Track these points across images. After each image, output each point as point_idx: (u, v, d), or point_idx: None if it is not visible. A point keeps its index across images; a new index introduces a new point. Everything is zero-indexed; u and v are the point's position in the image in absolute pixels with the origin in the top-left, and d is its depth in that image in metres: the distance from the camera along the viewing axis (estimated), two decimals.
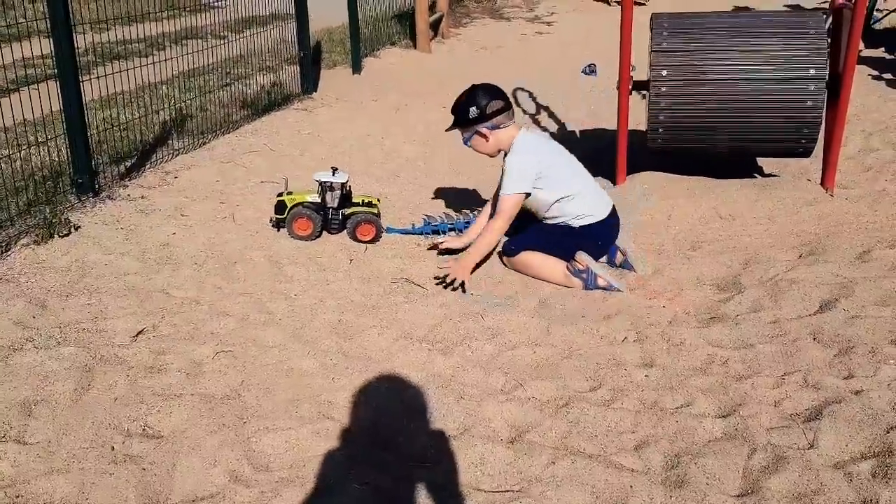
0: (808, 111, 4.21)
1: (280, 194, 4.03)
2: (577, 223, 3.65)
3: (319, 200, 3.98)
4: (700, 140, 4.40)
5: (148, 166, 4.84)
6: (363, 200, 4.05)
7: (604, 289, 3.50)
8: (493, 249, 3.72)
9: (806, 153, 4.42)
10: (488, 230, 3.63)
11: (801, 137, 4.29)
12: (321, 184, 3.97)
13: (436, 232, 4.13)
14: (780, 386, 2.69)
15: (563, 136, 6.03)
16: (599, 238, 3.69)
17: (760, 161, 5.10)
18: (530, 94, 7.32)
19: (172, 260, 3.71)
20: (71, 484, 2.24)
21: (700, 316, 3.23)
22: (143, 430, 2.50)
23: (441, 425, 2.54)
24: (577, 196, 3.63)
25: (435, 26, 9.74)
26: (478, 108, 3.67)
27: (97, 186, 4.32)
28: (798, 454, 2.31)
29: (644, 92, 4.59)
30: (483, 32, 10.66)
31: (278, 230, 4.07)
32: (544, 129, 6.24)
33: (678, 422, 2.52)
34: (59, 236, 3.76)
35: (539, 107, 6.93)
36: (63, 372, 2.73)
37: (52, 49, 4.00)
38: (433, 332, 3.16)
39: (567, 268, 3.55)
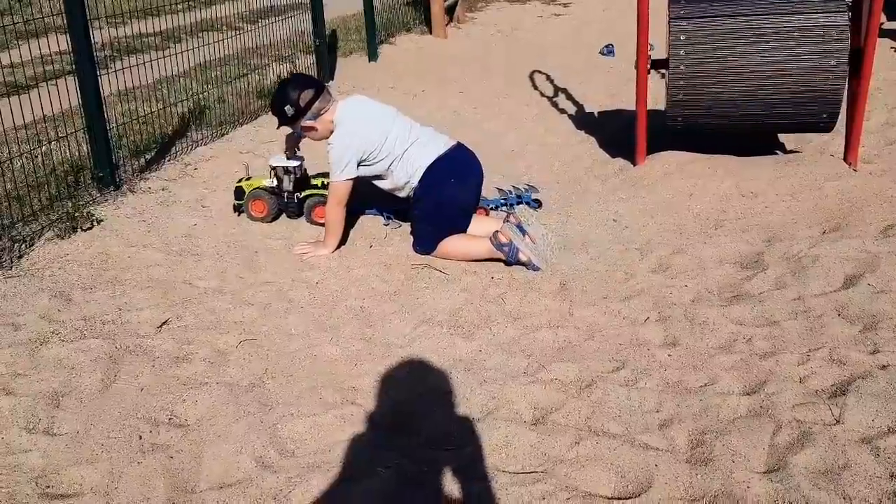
0: (830, 85, 4.15)
1: (240, 180, 4.13)
2: (416, 178, 3.68)
3: (275, 185, 4.05)
4: (720, 117, 4.36)
5: (168, 158, 4.87)
6: (322, 182, 4.08)
7: (524, 264, 3.52)
8: (344, 229, 3.79)
9: (827, 128, 4.36)
10: (327, 220, 3.70)
11: (822, 112, 4.24)
12: (274, 168, 4.04)
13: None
14: (806, 362, 2.67)
15: (582, 118, 5.99)
16: (451, 175, 3.69)
17: (782, 138, 5.04)
18: (547, 77, 7.28)
19: (194, 251, 3.74)
20: (100, 473, 2.27)
21: (723, 294, 3.21)
22: (170, 419, 2.52)
23: (464, 409, 2.55)
24: (412, 145, 3.68)
25: (450, 11, 9.70)
26: (292, 106, 3.66)
27: (118, 180, 4.35)
28: (824, 430, 2.29)
29: (663, 71, 4.55)
30: (498, 16, 10.60)
31: (239, 215, 4.14)
32: (562, 112, 6.20)
33: (702, 400, 2.51)
34: (82, 230, 3.80)
35: (557, 89, 6.89)
36: (89, 364, 2.77)
37: (70, 45, 4.03)
38: (455, 316, 3.17)
39: (490, 239, 3.56)
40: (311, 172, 4.20)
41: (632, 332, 2.97)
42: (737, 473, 2.18)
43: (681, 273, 3.40)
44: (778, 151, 4.83)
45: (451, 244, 3.64)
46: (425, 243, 3.68)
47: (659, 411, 2.48)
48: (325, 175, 3.98)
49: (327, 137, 3.73)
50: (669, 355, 2.79)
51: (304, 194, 4.07)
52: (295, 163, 4.03)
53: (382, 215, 4.11)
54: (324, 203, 3.95)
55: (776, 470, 2.19)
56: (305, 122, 3.70)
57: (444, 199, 3.67)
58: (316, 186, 4.07)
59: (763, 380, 2.59)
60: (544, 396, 2.59)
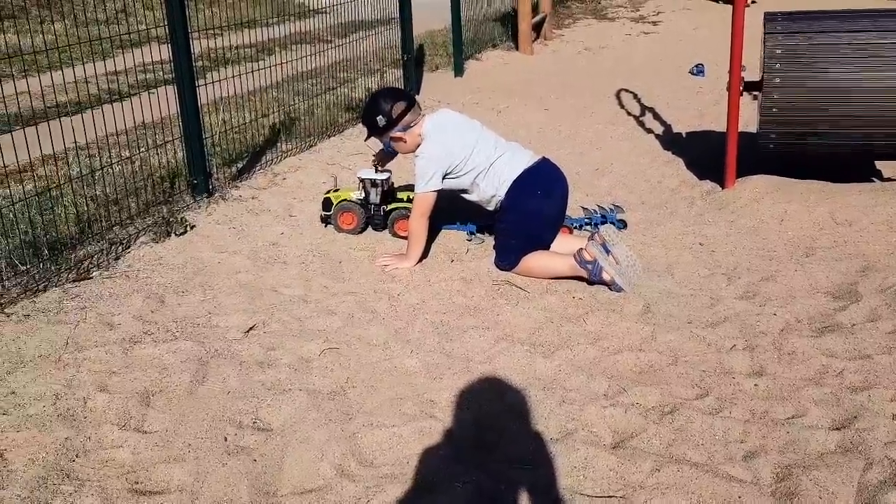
0: None
1: (328, 192, 4.18)
2: (502, 191, 3.69)
3: (363, 197, 4.10)
4: (815, 141, 4.23)
5: (258, 168, 5.01)
6: (408, 196, 4.12)
7: (607, 284, 3.47)
8: (427, 243, 3.83)
9: None
10: (411, 232, 3.75)
11: None
12: (363, 181, 4.09)
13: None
14: None
15: (669, 138, 5.91)
16: (537, 188, 3.68)
17: (879, 164, 4.87)
18: (634, 95, 7.21)
19: (281, 259, 3.83)
20: (186, 472, 2.34)
21: (814, 325, 3.11)
22: (254, 422, 2.58)
23: (543, 428, 2.54)
24: (499, 158, 3.69)
25: (537, 28, 9.71)
26: (384, 116, 3.72)
27: (211, 187, 4.49)
28: None
29: (755, 93, 4.45)
30: (586, 33, 10.56)
31: (325, 226, 4.20)
32: (649, 131, 6.13)
33: (789, 433, 2.44)
34: (176, 235, 3.93)
35: (643, 108, 6.82)
36: (179, 365, 2.86)
37: (171, 55, 4.19)
38: (535, 334, 3.16)
39: (574, 256, 3.52)
40: (397, 186, 4.26)
41: (717, 360, 2.90)
42: None
43: (769, 301, 3.31)
44: (875, 179, 4.67)
45: (534, 260, 3.63)
46: (508, 258, 3.69)
47: (744, 442, 2.42)
48: (412, 189, 4.03)
49: (413, 150, 3.79)
50: (756, 385, 2.72)
51: (389, 207, 4.12)
52: (383, 176, 4.09)
53: (465, 230, 4.13)
54: (407, 216, 3.99)
55: None
56: (395, 133, 3.76)
57: (530, 212, 3.67)
58: (401, 200, 4.12)
59: (854, 415, 2.51)
60: (624, 420, 2.56)
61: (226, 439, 2.49)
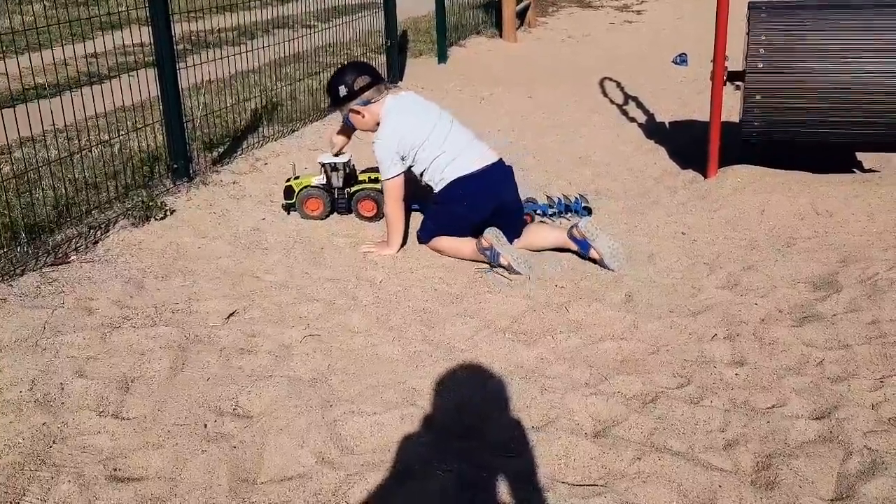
0: None
1: (288, 180, 4.17)
2: (441, 186, 3.73)
3: (325, 182, 4.10)
4: (798, 131, 4.25)
5: (239, 153, 4.96)
6: (369, 177, 4.14)
7: (504, 267, 3.54)
8: (407, 227, 3.86)
9: None
10: (387, 219, 3.76)
11: None
12: (323, 165, 4.08)
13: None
14: (879, 389, 2.58)
15: (652, 128, 5.92)
16: (464, 199, 3.70)
17: (860, 156, 4.90)
18: (618, 84, 7.21)
19: (262, 245, 3.80)
20: (165, 459, 2.32)
21: (794, 314, 3.12)
22: (234, 409, 2.56)
23: (524, 416, 2.54)
24: (441, 156, 3.69)
25: (521, 15, 9.68)
26: (346, 87, 3.75)
27: (191, 172, 4.44)
28: None
29: (738, 83, 4.46)
30: (570, 21, 10.55)
31: (288, 213, 4.18)
32: (632, 120, 6.14)
33: (770, 422, 2.45)
34: (156, 219, 3.89)
35: (627, 97, 6.82)
36: (159, 350, 2.83)
37: (151, 38, 4.13)
38: (517, 322, 3.15)
39: (476, 243, 3.61)
40: (359, 170, 4.27)
41: (698, 349, 2.91)
42: (803, 499, 2.12)
43: (751, 290, 3.32)
44: (855, 170, 4.70)
45: (444, 241, 3.74)
46: (422, 231, 3.81)
47: (724, 431, 2.43)
48: (374, 170, 4.03)
49: (371, 129, 3.82)
50: (737, 374, 2.73)
51: (353, 190, 4.12)
52: (343, 159, 4.09)
53: (412, 208, 4.14)
54: (370, 197, 4.05)
55: (844, 498, 2.13)
56: (354, 106, 3.76)
57: (453, 215, 3.74)
58: (364, 181, 4.12)
59: (833, 404, 2.52)
60: (606, 409, 2.56)
61: (205, 426, 2.46)
